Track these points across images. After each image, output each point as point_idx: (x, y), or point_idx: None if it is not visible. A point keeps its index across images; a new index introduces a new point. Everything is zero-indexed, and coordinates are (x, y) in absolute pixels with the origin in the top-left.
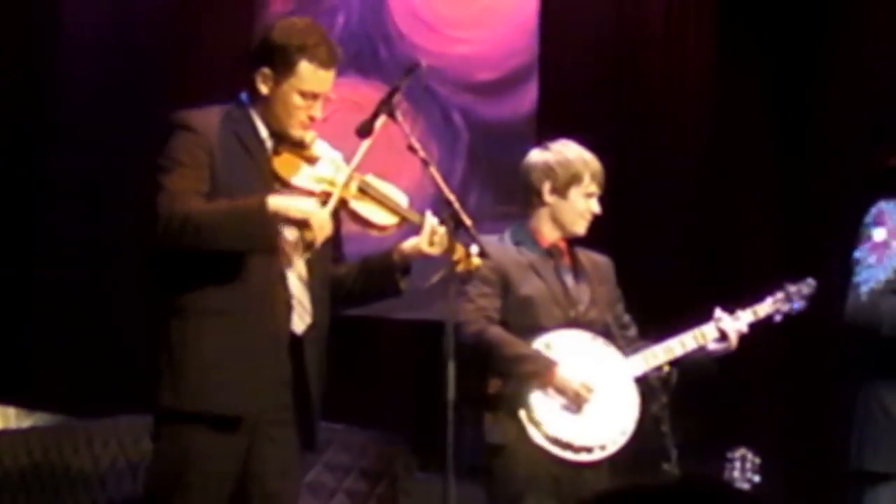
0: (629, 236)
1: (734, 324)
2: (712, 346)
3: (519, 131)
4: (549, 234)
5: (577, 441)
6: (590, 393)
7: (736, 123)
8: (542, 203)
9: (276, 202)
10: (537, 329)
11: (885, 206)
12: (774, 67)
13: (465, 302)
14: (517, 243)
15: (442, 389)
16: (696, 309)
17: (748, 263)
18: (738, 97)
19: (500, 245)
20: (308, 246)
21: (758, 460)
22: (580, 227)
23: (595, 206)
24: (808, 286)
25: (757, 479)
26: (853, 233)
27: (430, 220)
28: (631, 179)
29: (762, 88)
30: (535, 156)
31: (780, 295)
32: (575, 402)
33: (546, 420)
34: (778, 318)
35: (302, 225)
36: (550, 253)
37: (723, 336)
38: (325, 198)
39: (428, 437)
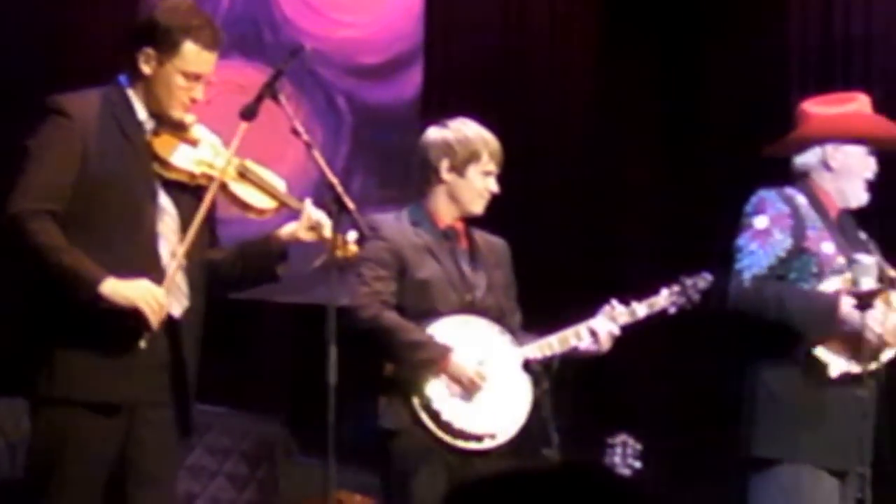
0: (513, 224)
1: (627, 317)
2: (584, 345)
3: (403, 116)
4: (446, 213)
5: (469, 429)
6: (483, 381)
7: (621, 110)
8: (440, 181)
9: (108, 287)
10: (433, 313)
11: (765, 195)
12: (659, 51)
13: (360, 285)
14: (414, 223)
15: (324, 373)
16: (581, 297)
17: (634, 253)
18: (623, 83)
19: (397, 225)
20: (145, 329)
21: (639, 446)
22: (478, 207)
23: (493, 185)
24: (703, 280)
25: (638, 464)
26: (737, 219)
27: (308, 208)
28: (515, 166)
29: (647, 75)
30: (433, 133)
31: (675, 288)
32: (468, 391)
33: (439, 407)
34: (672, 310)
35: (133, 312)
36: (447, 235)
37: (594, 336)
38: (205, 180)
39: (309, 420)
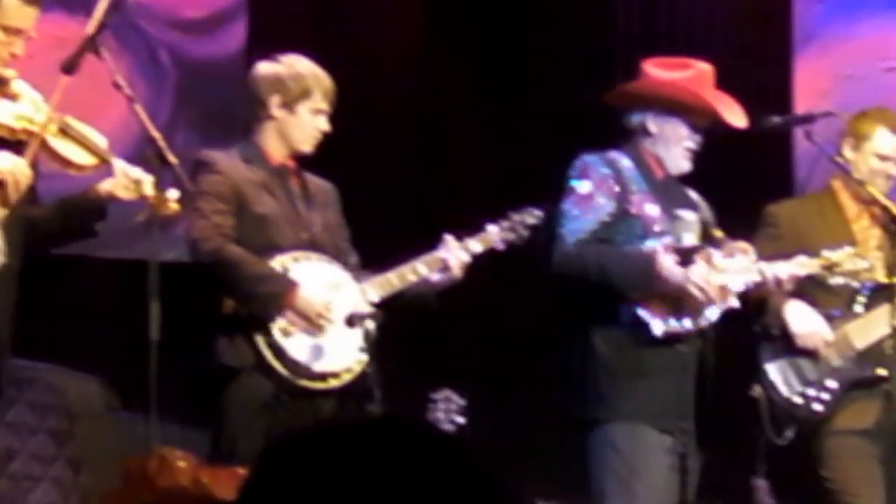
0: (341, 171)
1: (463, 252)
2: (436, 277)
3: (227, 70)
4: (275, 150)
5: (316, 367)
6: (330, 317)
7: (447, 63)
8: (269, 117)
9: None
10: (273, 249)
11: (588, 160)
12: (484, 2)
13: (199, 218)
14: (246, 160)
15: (146, 328)
16: (411, 238)
17: (460, 197)
18: (448, 36)
19: (230, 161)
20: (5, 202)
21: (462, 402)
22: (307, 146)
23: (324, 124)
24: (531, 216)
25: (461, 420)
26: (560, 167)
27: (122, 166)
28: (340, 117)
29: (472, 25)
30: (265, 67)
31: (504, 224)
32: (316, 327)
33: (284, 345)
34: (501, 246)
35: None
36: (280, 172)
37: (445, 266)
38: (25, 136)
39: (131, 376)
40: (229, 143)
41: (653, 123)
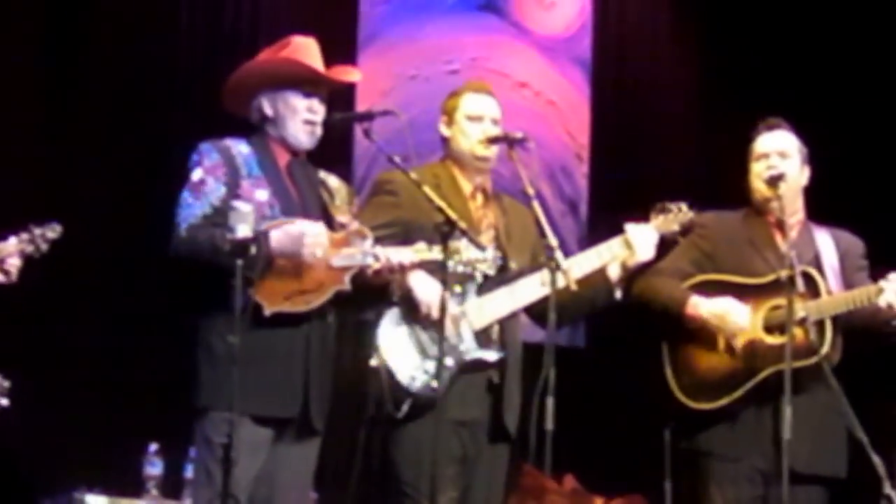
0: None
1: None
2: None
3: None
4: None
5: None
6: None
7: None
8: None
9: None
10: None
11: (203, 148)
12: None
13: None
14: None
15: None
16: None
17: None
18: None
19: None
20: None
21: (7, 383)
22: None
23: None
24: (52, 230)
25: (5, 402)
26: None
27: None
28: None
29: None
30: None
31: (25, 236)
32: None
33: None
34: (16, 259)
35: None
36: None
37: None
38: None
39: None
40: None
41: (267, 105)
